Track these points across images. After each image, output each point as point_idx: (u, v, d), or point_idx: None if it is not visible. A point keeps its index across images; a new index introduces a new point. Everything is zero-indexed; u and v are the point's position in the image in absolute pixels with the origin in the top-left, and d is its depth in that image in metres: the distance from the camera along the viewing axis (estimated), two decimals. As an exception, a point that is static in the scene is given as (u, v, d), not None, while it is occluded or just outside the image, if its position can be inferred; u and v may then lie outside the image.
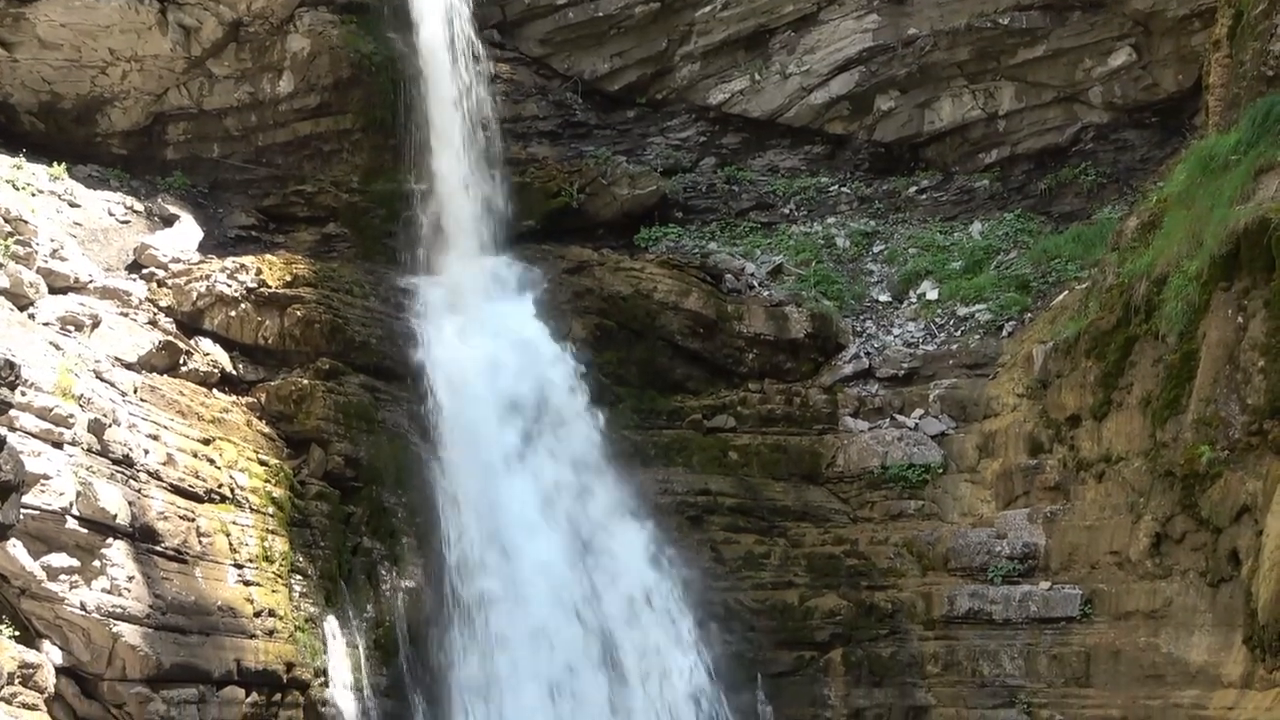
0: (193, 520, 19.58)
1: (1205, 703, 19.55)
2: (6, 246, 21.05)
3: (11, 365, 17.05)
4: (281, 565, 20.74)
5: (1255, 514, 18.71)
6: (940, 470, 24.74)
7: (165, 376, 21.84)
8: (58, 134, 27.07)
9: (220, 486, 20.38)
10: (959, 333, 26.46)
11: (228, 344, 23.47)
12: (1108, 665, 21.37)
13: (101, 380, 19.73)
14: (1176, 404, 20.38)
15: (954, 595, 22.99)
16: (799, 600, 23.73)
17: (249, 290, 23.63)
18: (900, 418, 25.46)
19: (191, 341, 22.98)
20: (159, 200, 26.40)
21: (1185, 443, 19.95)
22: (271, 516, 21.01)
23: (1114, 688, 21.20)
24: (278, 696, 19.97)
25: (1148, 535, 20.94)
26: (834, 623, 23.47)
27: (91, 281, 22.58)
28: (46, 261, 21.86)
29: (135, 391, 20.50)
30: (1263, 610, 18.10)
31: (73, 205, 24.81)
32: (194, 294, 23.51)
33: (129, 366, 21.20)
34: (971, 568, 23.19)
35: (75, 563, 17.71)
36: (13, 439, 16.98)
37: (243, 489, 20.75)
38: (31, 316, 20.60)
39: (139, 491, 18.85)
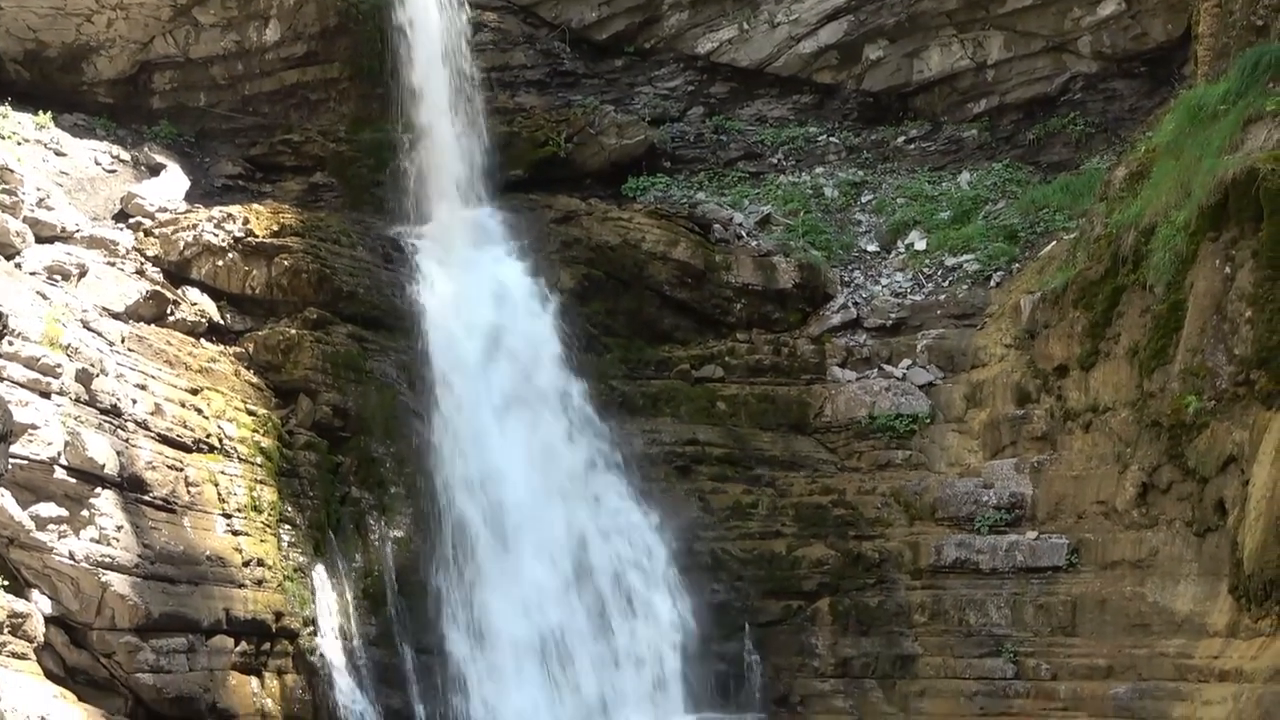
0: (181, 470, 19.58)
1: (1191, 651, 19.64)
2: (-7, 196, 21.03)
3: (-1, 315, 17.08)
4: (270, 515, 20.76)
5: (1242, 464, 18.79)
6: (928, 420, 24.78)
7: (153, 326, 21.81)
8: (43, 82, 26.92)
9: (208, 436, 20.37)
10: (947, 283, 26.46)
11: (215, 293, 23.46)
12: (1094, 614, 21.45)
13: (89, 330, 19.70)
14: (1164, 354, 20.42)
15: (941, 545, 23.03)
16: (787, 550, 23.77)
17: (236, 240, 23.59)
18: (888, 368, 25.47)
19: (179, 291, 22.96)
20: (145, 149, 26.34)
21: (1172, 393, 20.00)
22: (260, 466, 21.02)
23: (1100, 637, 21.28)
24: (267, 645, 20.02)
25: (1134, 485, 21.01)
26: (821, 572, 23.51)
27: (78, 231, 22.52)
28: (33, 210, 21.81)
29: (123, 341, 20.48)
30: (1249, 560, 18.19)
31: (59, 154, 24.75)
32: (181, 243, 23.46)
33: (116, 316, 21.17)
34: (958, 517, 23.23)
35: (64, 512, 17.72)
36: (0, 389, 16.99)
37: (231, 439, 20.74)
38: (18, 266, 20.57)
39: (127, 441, 18.85)
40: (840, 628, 23.24)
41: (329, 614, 20.97)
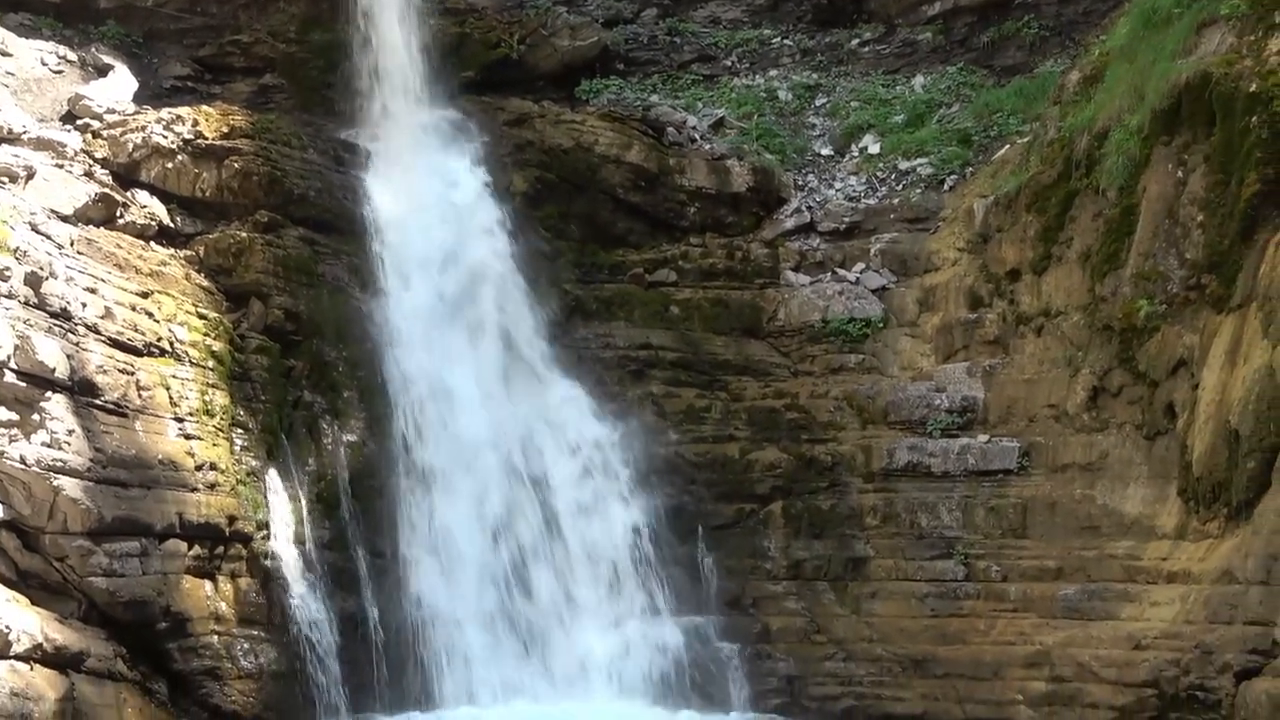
0: (132, 374, 19.49)
1: (1139, 553, 19.83)
2: (-63, 96, 20.77)
3: (-54, 217, 16.89)
4: (222, 419, 20.71)
5: (1192, 368, 18.93)
6: (881, 324, 24.80)
7: (102, 229, 21.62)
8: (-13, -18, 26.55)
9: (160, 340, 20.27)
10: (900, 187, 26.44)
11: (165, 196, 23.24)
12: (1044, 517, 21.60)
13: (37, 233, 19.52)
14: (1116, 258, 20.51)
15: (893, 448, 23.12)
16: (740, 453, 23.83)
17: (186, 142, 23.37)
18: (841, 272, 25.47)
19: (128, 194, 22.74)
20: (93, 50, 26.00)
21: (1124, 297, 20.10)
22: (212, 370, 20.94)
23: (1050, 539, 21.44)
24: (220, 549, 20.01)
25: (1085, 389, 21.13)
26: (774, 475, 23.59)
27: (25, 133, 22.28)
28: (-22, 112, 21.60)
29: (72, 244, 20.30)
30: (1197, 463, 18.37)
31: (4, 54, 24.41)
32: (130, 145, 23.23)
33: (65, 219, 20.98)
34: (911, 421, 23.33)
35: (14, 416, 17.63)
36: (-52, 292, 16.88)
37: (182, 343, 20.64)
38: (-36, 168, 20.37)
39: (78, 345, 18.73)
40: (792, 530, 23.34)
41: (282, 518, 20.97)
